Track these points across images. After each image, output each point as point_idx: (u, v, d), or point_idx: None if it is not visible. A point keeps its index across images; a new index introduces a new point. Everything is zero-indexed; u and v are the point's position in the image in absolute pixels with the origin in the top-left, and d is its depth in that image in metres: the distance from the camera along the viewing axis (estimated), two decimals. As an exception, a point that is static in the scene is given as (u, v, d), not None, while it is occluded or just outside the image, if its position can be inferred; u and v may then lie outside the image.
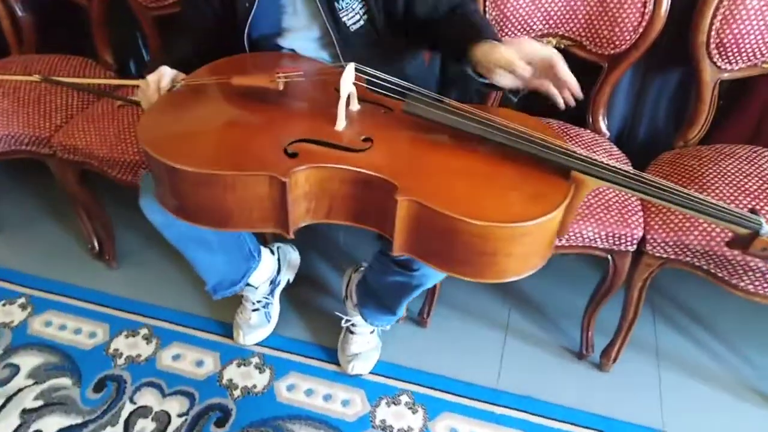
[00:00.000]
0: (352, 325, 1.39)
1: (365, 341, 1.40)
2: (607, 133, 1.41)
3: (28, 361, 1.44)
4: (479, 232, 0.80)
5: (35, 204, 1.93)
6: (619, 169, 0.85)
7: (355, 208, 0.90)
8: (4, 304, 1.58)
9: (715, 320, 1.56)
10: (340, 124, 0.94)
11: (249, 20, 1.11)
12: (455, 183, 0.87)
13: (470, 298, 1.60)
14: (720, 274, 1.15)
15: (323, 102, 1.00)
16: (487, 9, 1.35)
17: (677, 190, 0.82)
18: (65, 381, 1.39)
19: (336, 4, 1.06)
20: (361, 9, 1.08)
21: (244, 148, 0.92)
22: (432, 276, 1.11)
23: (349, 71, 0.93)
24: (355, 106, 0.98)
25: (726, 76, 1.30)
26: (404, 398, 1.36)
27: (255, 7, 1.10)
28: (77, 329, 1.52)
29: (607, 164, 0.85)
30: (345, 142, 0.92)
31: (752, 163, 1.24)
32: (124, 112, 1.46)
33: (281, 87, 0.97)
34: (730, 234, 0.87)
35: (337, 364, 1.42)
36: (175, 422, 1.31)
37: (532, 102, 1.54)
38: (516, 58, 0.86)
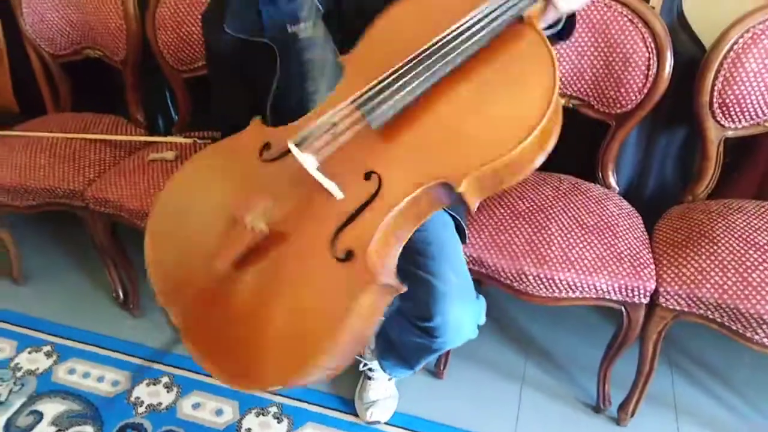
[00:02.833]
0: (369, 369, 1.41)
1: (383, 388, 1.41)
2: (617, 188, 1.45)
3: (52, 408, 1.47)
4: (536, 137, 0.81)
5: (62, 253, 2.00)
6: None
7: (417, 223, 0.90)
8: (30, 352, 1.62)
9: (731, 373, 1.56)
10: (336, 191, 0.87)
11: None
12: (471, 129, 0.86)
13: (486, 349, 1.62)
14: (734, 327, 1.17)
15: (304, 194, 0.90)
16: (499, 71, 1.43)
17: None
18: (87, 429, 1.42)
19: None
20: None
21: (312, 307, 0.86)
22: (452, 341, 1.12)
23: (306, 161, 0.86)
24: (320, 161, 0.89)
25: (730, 134, 1.36)
26: (421, 450, 1.37)
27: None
28: (100, 377, 1.55)
29: None
30: (359, 196, 0.87)
31: (760, 217, 1.27)
32: (154, 167, 1.54)
33: (256, 230, 0.88)
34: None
35: (355, 414, 1.43)
36: (194, 469, 1.32)
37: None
38: None
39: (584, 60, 1.39)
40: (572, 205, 1.34)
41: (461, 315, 1.07)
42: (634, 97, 1.36)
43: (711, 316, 1.19)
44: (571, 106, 1.45)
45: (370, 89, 0.88)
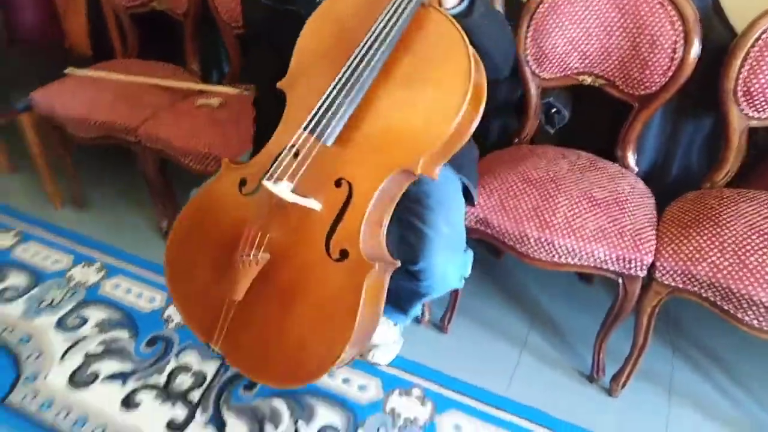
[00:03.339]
0: (376, 317, 1.51)
1: (387, 333, 1.52)
2: (635, 169, 1.48)
3: (96, 315, 1.66)
4: (468, 104, 0.96)
5: (118, 186, 2.21)
6: None
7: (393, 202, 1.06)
8: (83, 267, 1.83)
9: (735, 363, 1.57)
10: (314, 204, 1.01)
11: None
12: (412, 119, 0.99)
13: (494, 312, 1.70)
14: (725, 307, 1.20)
15: (290, 215, 1.03)
16: (527, 46, 1.48)
17: None
18: (124, 334, 1.60)
19: None
20: None
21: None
22: (436, 286, 1.21)
23: (281, 189, 0.98)
24: (294, 185, 1.02)
25: (754, 123, 1.36)
26: (416, 391, 1.46)
27: None
28: (140, 294, 1.73)
29: None
30: (335, 203, 1.00)
31: (771, 207, 1.29)
32: (200, 111, 1.68)
33: (260, 258, 1.03)
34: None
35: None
36: (210, 379, 1.47)
37: (569, 135, 1.66)
38: None
39: (612, 40, 1.42)
40: (585, 179, 1.38)
41: (445, 263, 1.16)
42: (658, 80, 1.38)
43: (704, 295, 1.22)
44: (597, 85, 1.49)
45: (315, 113, 1.00)
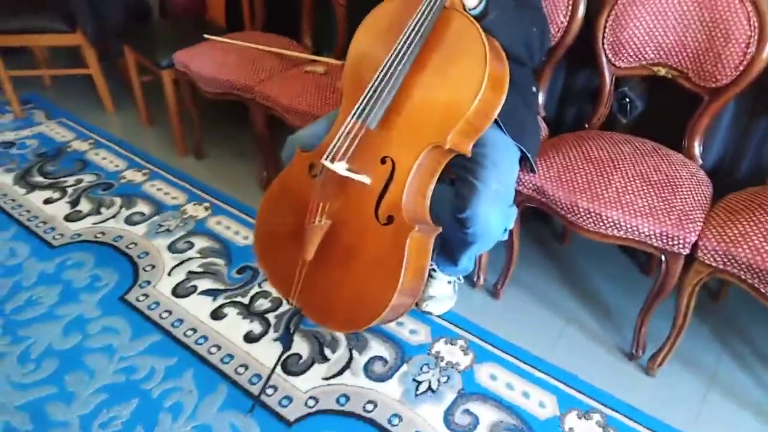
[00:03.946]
0: (433, 270, 1.67)
1: (442, 288, 1.67)
2: (700, 160, 1.53)
3: (200, 242, 1.96)
4: (487, 87, 1.17)
5: (232, 145, 2.53)
6: None
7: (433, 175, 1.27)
8: (194, 204, 2.15)
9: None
10: (365, 179, 1.23)
11: None
12: (439, 102, 1.20)
13: (547, 287, 1.80)
14: (763, 290, 1.24)
15: (346, 189, 1.27)
16: (605, 35, 1.57)
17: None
18: (220, 261, 1.88)
19: None
20: None
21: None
22: (481, 235, 1.34)
23: (338, 167, 1.22)
24: (348, 163, 1.24)
25: (826, 123, 1.37)
26: (460, 342, 1.60)
27: None
28: (236, 231, 2.02)
29: None
30: (381, 177, 1.23)
31: (831, 204, 1.30)
32: (307, 77, 1.93)
33: (323, 224, 1.27)
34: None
35: (415, 303, 1.71)
36: (284, 307, 1.71)
37: (641, 126, 1.73)
38: None
39: (688, 33, 1.48)
40: (644, 162, 1.46)
41: (489, 213, 1.30)
42: (729, 74, 1.43)
43: (743, 277, 1.26)
44: (670, 76, 1.55)
45: (362, 102, 1.23)
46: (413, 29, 1.21)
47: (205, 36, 2.17)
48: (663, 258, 1.37)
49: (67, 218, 2.07)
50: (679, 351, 1.53)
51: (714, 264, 1.29)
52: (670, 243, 1.33)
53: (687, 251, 1.32)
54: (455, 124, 1.18)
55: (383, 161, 1.25)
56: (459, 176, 1.34)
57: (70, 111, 2.80)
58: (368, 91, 1.24)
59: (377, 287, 1.23)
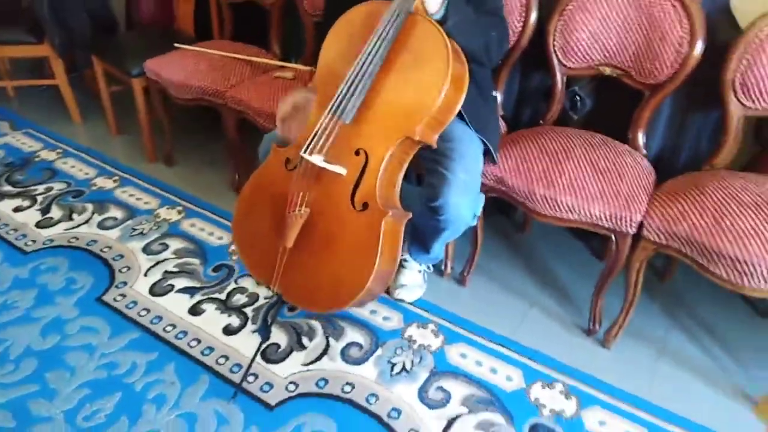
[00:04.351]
0: (404, 260, 1.77)
1: (412, 276, 1.77)
2: (643, 150, 1.67)
3: (175, 244, 2.00)
4: (449, 86, 1.28)
5: (202, 152, 2.59)
6: None
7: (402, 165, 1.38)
8: (167, 208, 2.19)
9: (727, 333, 1.72)
10: (340, 170, 1.33)
11: None
12: (407, 99, 1.31)
13: (510, 275, 1.91)
14: (700, 261, 1.38)
15: (323, 180, 1.36)
16: (556, 38, 1.72)
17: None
18: (195, 260, 1.93)
19: None
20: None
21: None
22: (452, 221, 1.45)
23: (315, 159, 1.32)
24: (324, 156, 1.35)
25: (750, 113, 1.53)
26: (431, 326, 1.70)
27: None
28: (210, 232, 2.07)
29: None
30: (356, 168, 1.32)
31: (756, 183, 1.45)
32: (276, 82, 2.01)
33: (303, 212, 1.37)
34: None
35: (387, 292, 1.80)
36: (261, 301, 1.77)
37: (591, 122, 1.87)
38: None
39: (629, 36, 1.64)
40: (594, 152, 1.59)
41: (460, 201, 1.41)
42: (666, 71, 1.58)
43: (684, 250, 1.40)
44: (614, 75, 1.70)
45: (336, 98, 1.33)
46: (382, 31, 1.32)
47: (176, 45, 2.23)
48: (613, 238, 1.50)
49: (39, 225, 2.09)
50: (632, 326, 1.66)
51: (658, 240, 1.43)
52: (619, 223, 1.46)
53: (634, 230, 1.45)
54: (423, 119, 1.29)
55: (357, 153, 1.34)
56: (429, 169, 1.45)
57: (36, 122, 2.80)
58: (342, 89, 1.33)
59: (355, 269, 1.32)
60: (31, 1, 2.58)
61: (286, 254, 1.39)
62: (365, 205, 1.33)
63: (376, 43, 1.32)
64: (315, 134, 1.35)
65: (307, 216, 1.37)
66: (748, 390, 1.54)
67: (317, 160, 1.33)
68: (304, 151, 1.34)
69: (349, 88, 1.33)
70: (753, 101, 1.51)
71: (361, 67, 1.32)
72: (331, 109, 1.35)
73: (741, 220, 1.34)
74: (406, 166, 1.38)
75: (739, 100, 1.52)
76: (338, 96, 1.34)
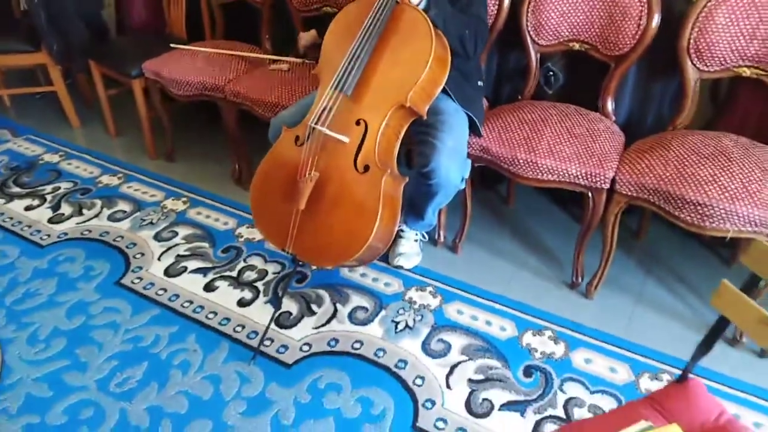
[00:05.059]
0: (401, 230, 1.91)
1: (409, 245, 1.91)
2: (613, 117, 1.84)
3: (184, 231, 2.13)
4: (433, 61, 1.48)
5: (200, 147, 2.71)
6: None
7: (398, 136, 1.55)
8: (172, 200, 2.32)
9: (696, 281, 1.89)
10: (344, 138, 1.51)
11: None
12: (398, 74, 1.50)
13: (500, 243, 2.07)
14: (667, 208, 1.54)
15: (329, 148, 1.54)
16: (528, 19, 1.87)
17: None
18: (205, 244, 2.06)
19: None
20: None
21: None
22: (443, 185, 1.60)
23: (323, 129, 1.50)
24: (330, 127, 1.53)
25: (705, 76, 1.70)
26: (429, 288, 1.85)
27: None
28: (216, 218, 2.20)
29: None
30: (357, 136, 1.50)
31: (715, 139, 1.62)
32: (272, 74, 2.15)
33: (313, 176, 1.52)
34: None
35: (387, 261, 1.94)
36: (270, 276, 1.90)
37: (565, 96, 2.03)
38: None
39: (594, 12, 1.80)
40: (569, 120, 1.75)
41: (449, 165, 1.56)
42: (628, 42, 1.75)
43: (652, 200, 1.56)
44: (583, 49, 1.86)
45: (338, 75, 1.53)
46: (374, 17, 1.51)
47: (172, 45, 2.35)
48: (590, 195, 1.66)
49: (51, 221, 2.20)
50: (611, 279, 1.82)
51: (629, 193, 1.59)
52: (594, 180, 1.62)
53: (607, 186, 1.61)
54: (412, 87, 1.47)
55: (358, 123, 1.52)
56: (421, 140, 1.60)
57: (35, 128, 2.90)
58: (343, 65, 1.53)
59: (361, 224, 1.48)
60: (27, 11, 2.68)
61: (299, 217, 1.54)
62: (366, 168, 1.49)
63: (369, 27, 1.50)
64: (320, 108, 1.53)
65: (316, 179, 1.52)
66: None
67: (324, 129, 1.50)
68: (313, 122, 1.52)
69: (349, 63, 1.52)
70: (706, 64, 1.68)
71: (358, 47, 1.51)
72: (333, 84, 1.53)
73: (700, 169, 1.50)
74: (401, 135, 1.54)
75: (694, 65, 1.69)
76: (340, 71, 1.53)
